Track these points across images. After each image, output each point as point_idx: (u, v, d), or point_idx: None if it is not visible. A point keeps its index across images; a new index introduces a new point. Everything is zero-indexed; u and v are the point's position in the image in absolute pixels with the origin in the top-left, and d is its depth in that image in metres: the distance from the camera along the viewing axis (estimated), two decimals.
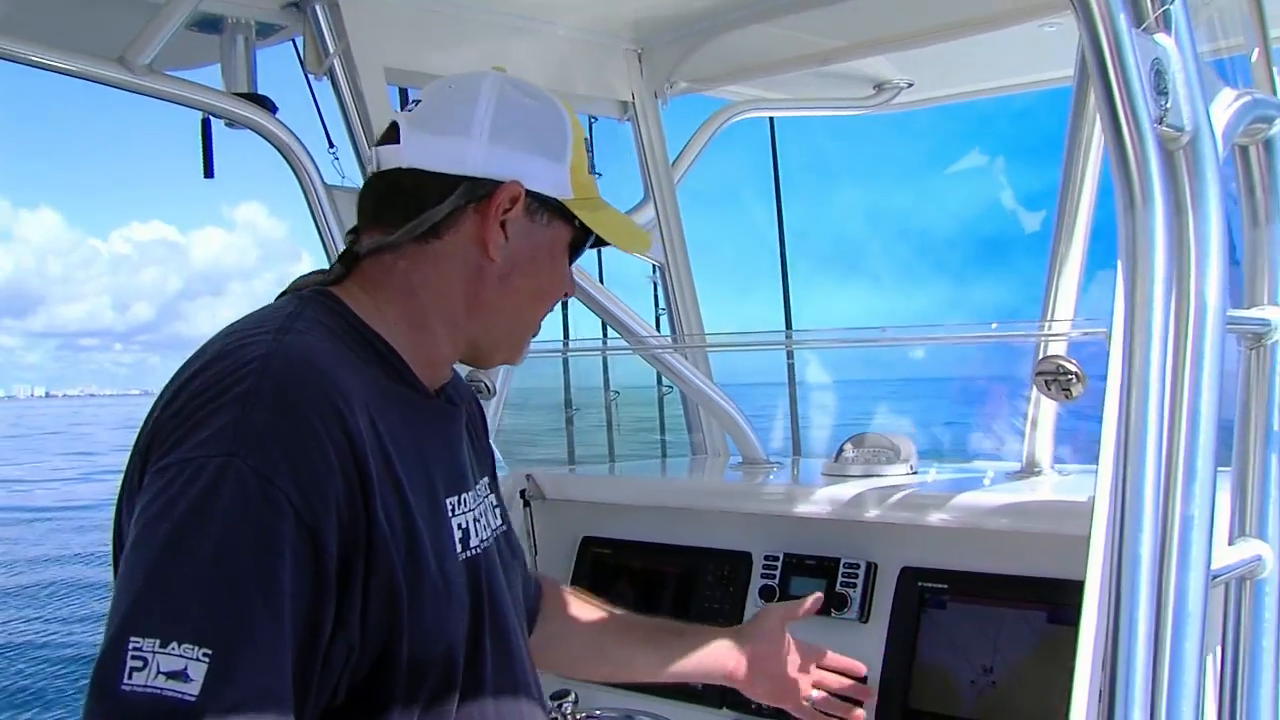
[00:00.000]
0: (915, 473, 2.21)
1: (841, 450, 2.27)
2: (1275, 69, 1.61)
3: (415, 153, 1.23)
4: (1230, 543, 1.29)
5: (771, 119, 3.77)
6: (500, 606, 1.27)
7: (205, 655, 0.93)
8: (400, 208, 1.22)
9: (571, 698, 1.92)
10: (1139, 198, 1.12)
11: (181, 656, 0.93)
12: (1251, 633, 1.28)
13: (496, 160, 1.23)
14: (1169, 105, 1.13)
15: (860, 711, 1.77)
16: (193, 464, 1.00)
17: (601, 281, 2.76)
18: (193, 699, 0.92)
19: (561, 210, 1.27)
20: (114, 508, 1.13)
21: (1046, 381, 1.86)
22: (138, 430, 1.11)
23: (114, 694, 0.93)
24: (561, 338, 3.54)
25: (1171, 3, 1.16)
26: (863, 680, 1.80)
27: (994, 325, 2.02)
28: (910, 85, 2.86)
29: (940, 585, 1.97)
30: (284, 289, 1.26)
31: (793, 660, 1.72)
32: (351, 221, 1.31)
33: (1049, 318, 1.95)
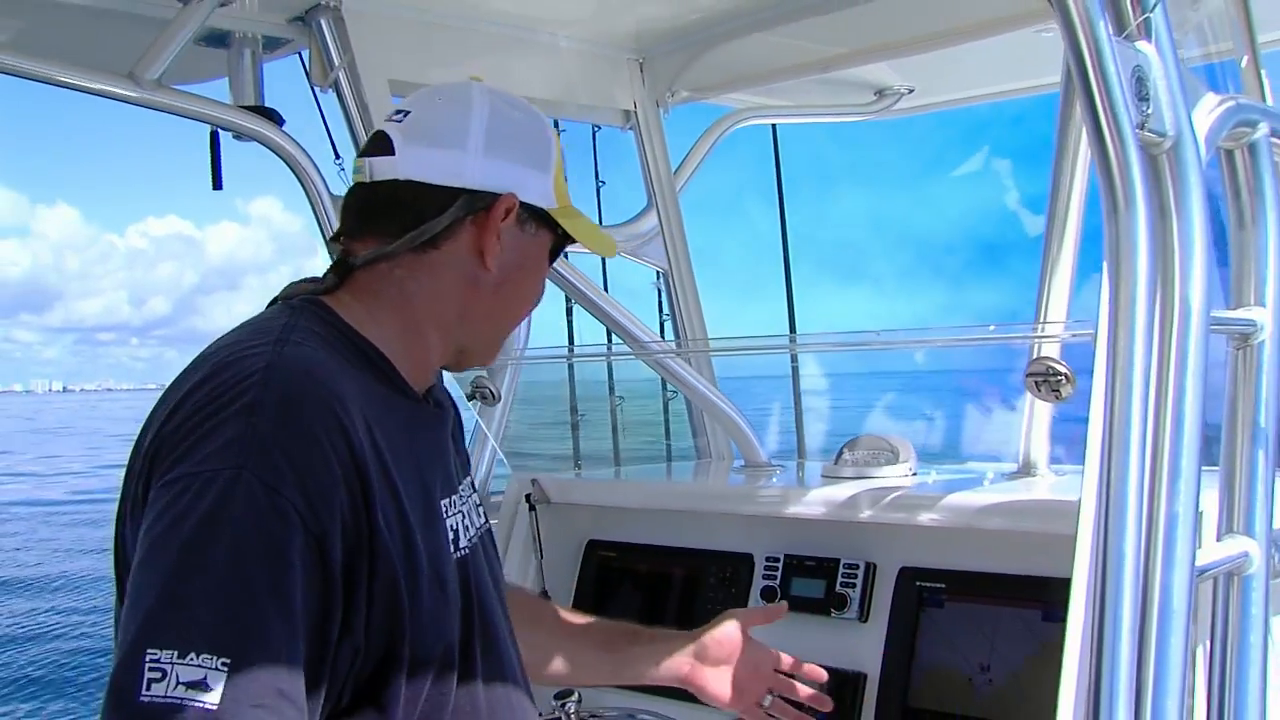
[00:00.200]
0: (914, 474, 2.22)
1: (841, 453, 2.28)
2: (1264, 74, 1.64)
3: (412, 165, 1.24)
4: (1218, 539, 1.31)
5: (774, 125, 3.80)
6: (488, 602, 1.29)
7: (224, 664, 0.94)
8: (398, 219, 1.24)
9: (575, 697, 1.93)
10: (1122, 202, 1.13)
11: (200, 666, 0.94)
12: (1239, 628, 1.29)
13: (493, 173, 1.25)
14: (1150, 111, 1.14)
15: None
16: (201, 478, 1.01)
17: (606, 289, 2.79)
18: (215, 707, 0.93)
19: (546, 219, 1.31)
20: (114, 524, 1.14)
21: (1037, 383, 1.88)
22: (134, 444, 1.12)
23: (133, 705, 0.93)
24: (567, 344, 3.57)
25: (1152, 10, 1.18)
26: (822, 687, 1.74)
27: (991, 328, 2.04)
28: (910, 91, 2.89)
29: (938, 585, 1.99)
30: (273, 298, 1.27)
31: (748, 664, 1.69)
32: None
33: (1041, 320, 1.97)
